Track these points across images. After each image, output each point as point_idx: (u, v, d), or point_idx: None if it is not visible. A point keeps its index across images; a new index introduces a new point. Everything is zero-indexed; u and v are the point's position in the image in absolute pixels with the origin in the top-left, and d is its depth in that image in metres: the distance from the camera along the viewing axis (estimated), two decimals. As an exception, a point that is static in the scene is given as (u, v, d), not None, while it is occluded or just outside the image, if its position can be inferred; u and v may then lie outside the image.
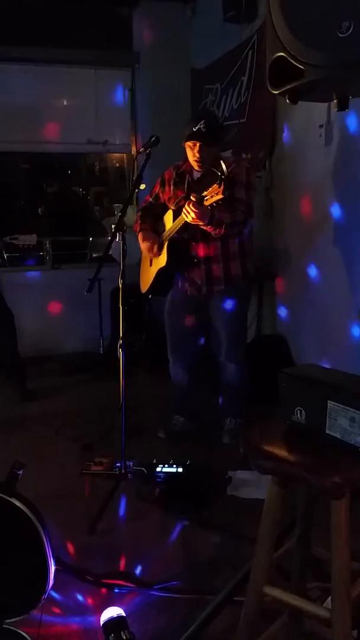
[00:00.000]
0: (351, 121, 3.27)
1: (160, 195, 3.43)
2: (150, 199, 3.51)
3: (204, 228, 3.00)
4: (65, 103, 5.66)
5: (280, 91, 1.53)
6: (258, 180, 4.34)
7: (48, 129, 5.54)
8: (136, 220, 3.52)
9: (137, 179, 3.04)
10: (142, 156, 2.96)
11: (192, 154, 3.16)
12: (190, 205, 2.86)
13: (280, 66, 1.46)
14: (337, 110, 1.59)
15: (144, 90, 5.61)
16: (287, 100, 1.57)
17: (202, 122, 3.06)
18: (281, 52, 1.45)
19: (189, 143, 3.12)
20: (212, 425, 3.55)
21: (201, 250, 3.25)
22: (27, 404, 4.28)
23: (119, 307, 2.87)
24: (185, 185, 3.29)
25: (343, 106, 1.57)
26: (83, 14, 5.31)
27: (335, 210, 3.52)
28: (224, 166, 2.67)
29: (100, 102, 5.65)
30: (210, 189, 2.73)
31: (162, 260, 3.26)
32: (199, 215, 2.89)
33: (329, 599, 1.47)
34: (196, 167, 3.21)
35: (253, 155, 4.48)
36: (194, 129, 3.06)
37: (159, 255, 3.30)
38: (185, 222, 3.02)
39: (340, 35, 1.33)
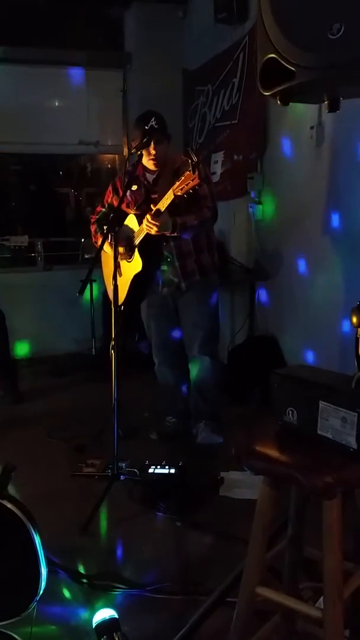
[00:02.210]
0: (342, 123, 3.28)
1: (115, 202, 3.28)
2: (103, 209, 3.40)
3: (171, 235, 3.01)
4: (56, 104, 5.65)
5: (271, 92, 1.53)
6: (250, 181, 4.36)
7: (40, 130, 5.53)
8: (94, 233, 3.39)
9: (129, 180, 3.04)
10: (133, 157, 2.96)
11: (146, 152, 3.12)
12: (149, 219, 2.86)
13: (271, 67, 1.46)
14: (328, 112, 1.59)
15: (136, 91, 5.61)
16: (278, 102, 1.57)
17: (152, 118, 3.05)
18: (272, 53, 1.45)
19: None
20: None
21: (173, 249, 3.24)
22: (19, 405, 4.27)
23: (111, 308, 2.87)
24: (142, 189, 3.25)
25: (334, 108, 1.58)
26: (75, 15, 5.32)
27: (327, 212, 3.53)
28: (192, 154, 2.68)
29: (91, 103, 5.65)
30: (183, 177, 2.69)
31: (136, 265, 3.19)
32: (161, 227, 2.90)
33: (321, 599, 1.47)
34: (152, 166, 3.18)
35: (244, 156, 4.49)
36: (147, 127, 3.03)
37: (131, 259, 3.23)
38: None
39: (331, 36, 1.33)
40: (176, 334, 3.48)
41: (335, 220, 3.47)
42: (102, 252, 3.20)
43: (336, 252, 3.47)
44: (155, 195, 3.10)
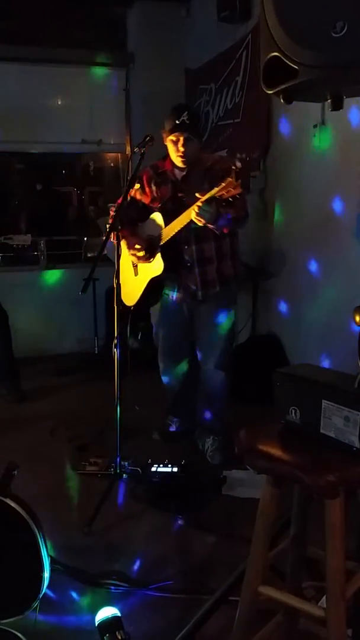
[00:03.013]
0: (345, 121, 3.27)
1: (139, 196, 3.19)
2: (124, 203, 3.18)
3: (210, 227, 2.83)
4: (59, 103, 5.66)
5: (274, 91, 1.53)
6: (253, 180, 4.35)
7: (42, 129, 5.53)
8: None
9: (132, 179, 3.02)
10: (136, 156, 2.96)
11: (175, 149, 2.97)
12: (202, 208, 2.68)
13: (274, 66, 1.46)
14: (332, 110, 1.58)
15: (139, 90, 5.61)
16: (282, 100, 1.57)
17: (185, 113, 2.90)
18: (275, 52, 1.44)
19: (172, 137, 2.94)
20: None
21: (194, 253, 3.08)
22: (22, 404, 4.27)
23: (114, 307, 2.87)
24: (170, 186, 3.10)
25: (337, 106, 1.57)
26: (78, 14, 5.32)
27: (329, 210, 3.53)
28: (237, 161, 2.58)
29: (94, 102, 5.65)
30: (224, 183, 2.53)
31: (156, 267, 3.05)
32: (211, 216, 2.72)
33: (324, 598, 1.47)
34: (180, 164, 3.03)
35: (247, 155, 4.48)
36: (177, 121, 2.89)
37: (151, 261, 3.11)
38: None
39: (334, 35, 1.33)
40: (187, 343, 3.34)
41: (338, 218, 3.46)
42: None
43: (340, 251, 3.47)
44: (182, 194, 2.99)
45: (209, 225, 2.78)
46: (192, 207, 2.75)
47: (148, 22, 5.49)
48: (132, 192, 3.19)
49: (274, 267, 4.26)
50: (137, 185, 3.17)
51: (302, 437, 1.52)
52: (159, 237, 3.04)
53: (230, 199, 2.59)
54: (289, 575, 1.77)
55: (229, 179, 2.52)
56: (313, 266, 3.76)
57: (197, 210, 2.70)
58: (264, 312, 4.49)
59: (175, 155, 3.00)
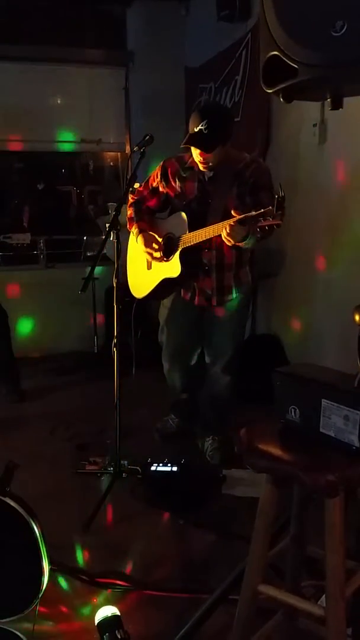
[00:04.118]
0: (345, 120, 3.27)
1: (162, 188, 3.07)
2: (145, 192, 3.14)
3: (237, 244, 2.71)
4: (59, 102, 5.66)
5: (274, 90, 1.53)
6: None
7: (42, 127, 5.53)
8: (130, 216, 3.14)
9: (131, 178, 3.02)
10: (136, 155, 2.95)
11: (195, 154, 2.86)
12: (235, 229, 2.57)
13: (274, 65, 1.46)
14: (331, 109, 1.59)
15: (138, 89, 5.61)
16: (281, 99, 1.57)
17: (204, 122, 2.71)
18: (275, 51, 1.45)
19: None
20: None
21: (214, 258, 2.98)
22: (21, 404, 4.27)
23: (114, 306, 2.87)
24: (196, 184, 2.97)
25: (337, 105, 1.57)
26: (77, 13, 5.32)
27: (329, 210, 3.53)
28: (280, 189, 2.41)
29: (94, 101, 5.65)
30: (263, 210, 2.42)
31: (172, 269, 2.98)
32: (241, 238, 2.61)
33: (323, 597, 1.47)
34: (201, 167, 2.90)
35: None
36: (196, 129, 2.74)
37: (167, 261, 3.03)
38: None
39: (334, 34, 1.33)
40: (194, 344, 3.28)
41: (338, 218, 3.46)
42: (133, 242, 3.12)
43: (339, 250, 3.47)
44: (209, 198, 2.90)
45: (237, 244, 2.69)
46: (223, 224, 2.64)
47: (147, 21, 5.49)
48: (154, 182, 3.11)
49: (274, 266, 4.26)
50: (157, 177, 3.07)
51: (301, 437, 1.53)
52: (180, 239, 2.95)
53: (266, 227, 2.48)
54: (288, 574, 1.77)
55: (269, 208, 2.41)
56: (313, 265, 3.76)
57: (228, 230, 2.59)
58: (264, 312, 4.49)
59: (196, 159, 2.89)
